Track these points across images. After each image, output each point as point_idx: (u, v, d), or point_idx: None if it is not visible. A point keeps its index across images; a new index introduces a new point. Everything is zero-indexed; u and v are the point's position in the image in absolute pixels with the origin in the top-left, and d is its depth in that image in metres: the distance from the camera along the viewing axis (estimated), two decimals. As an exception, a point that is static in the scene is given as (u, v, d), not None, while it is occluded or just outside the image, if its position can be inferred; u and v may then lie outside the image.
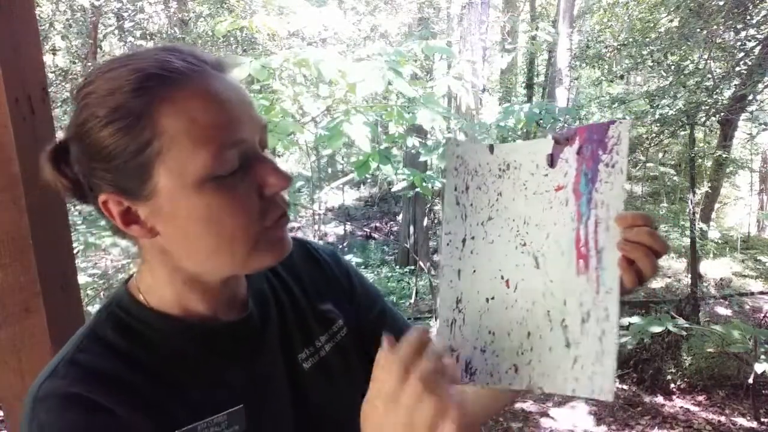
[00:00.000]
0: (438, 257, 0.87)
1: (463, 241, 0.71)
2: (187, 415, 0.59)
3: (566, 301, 0.63)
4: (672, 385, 5.07)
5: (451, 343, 0.68)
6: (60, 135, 0.62)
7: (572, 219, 0.64)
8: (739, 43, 6.53)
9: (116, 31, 7.85)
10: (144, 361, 0.60)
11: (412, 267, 9.10)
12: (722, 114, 7.22)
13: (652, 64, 7.37)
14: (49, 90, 1.07)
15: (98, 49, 7.24)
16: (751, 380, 4.43)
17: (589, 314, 0.61)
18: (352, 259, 9.75)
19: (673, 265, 10.25)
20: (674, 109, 7.20)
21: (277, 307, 0.73)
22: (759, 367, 3.87)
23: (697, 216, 7.90)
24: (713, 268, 9.51)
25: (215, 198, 0.55)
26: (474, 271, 0.70)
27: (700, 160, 9.43)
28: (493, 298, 0.68)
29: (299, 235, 12.13)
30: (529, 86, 12.77)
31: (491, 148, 0.71)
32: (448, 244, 0.71)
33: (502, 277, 0.68)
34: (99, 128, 0.54)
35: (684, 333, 4.88)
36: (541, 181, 0.67)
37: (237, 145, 0.56)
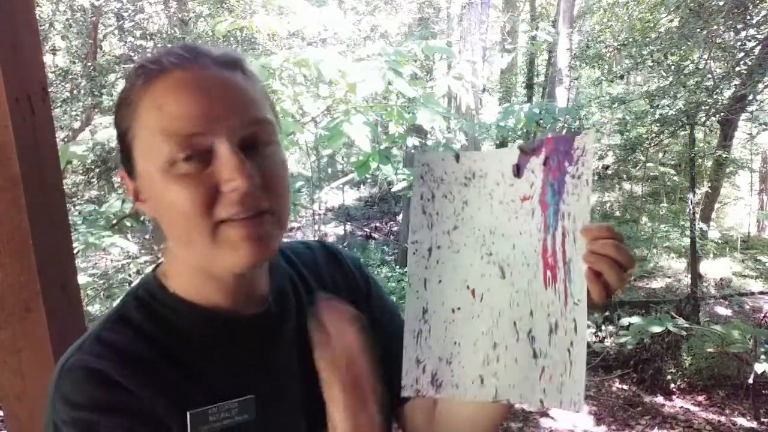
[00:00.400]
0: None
1: (429, 250, 0.70)
2: (199, 398, 0.61)
3: (533, 312, 0.63)
4: (672, 385, 5.07)
5: (418, 354, 0.67)
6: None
7: (539, 230, 0.64)
8: (739, 43, 6.52)
9: (116, 31, 7.85)
10: (165, 343, 0.63)
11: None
12: (722, 114, 7.21)
13: (652, 64, 7.36)
14: (49, 90, 1.07)
15: (98, 49, 7.23)
16: (751, 380, 4.43)
17: (557, 325, 0.61)
18: (352, 259, 9.73)
19: (673, 265, 10.25)
20: (674, 109, 7.20)
21: (296, 305, 0.74)
22: (759, 367, 3.87)
23: (697, 216, 7.89)
24: (713, 268, 9.50)
25: (172, 185, 0.57)
26: (440, 281, 0.69)
27: (700, 160, 9.42)
28: (459, 309, 0.67)
29: (299, 235, 12.12)
30: (529, 86, 12.77)
31: (457, 156, 0.71)
32: (414, 253, 0.71)
33: (468, 287, 0.67)
34: (114, 112, 0.62)
35: (684, 333, 4.88)
36: (506, 190, 0.67)
37: (198, 138, 0.56)
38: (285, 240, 0.71)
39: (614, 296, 0.62)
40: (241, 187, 0.56)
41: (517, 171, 0.66)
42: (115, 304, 0.67)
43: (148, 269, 0.72)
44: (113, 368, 0.58)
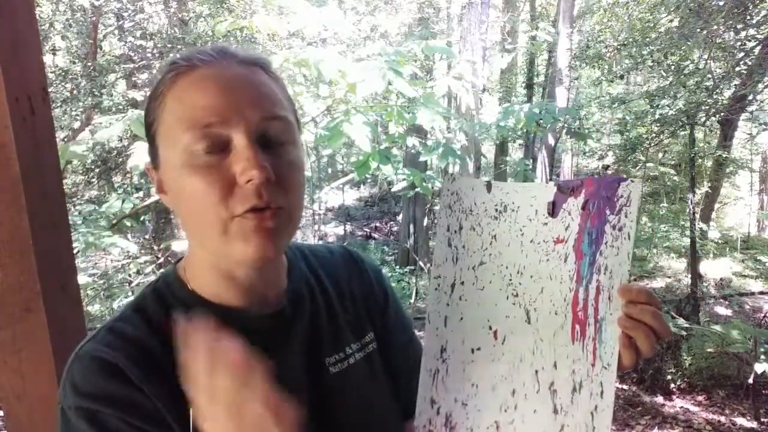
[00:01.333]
0: (425, 303, 0.83)
1: (452, 285, 0.67)
2: None
3: (557, 364, 0.59)
4: (672, 385, 5.07)
5: (433, 395, 0.64)
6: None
7: (571, 278, 0.60)
8: (739, 43, 6.52)
9: (116, 31, 7.85)
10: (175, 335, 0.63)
11: (412, 267, 9.10)
12: (722, 114, 7.21)
13: (652, 64, 7.36)
14: (49, 90, 1.07)
15: (98, 49, 7.23)
16: (751, 380, 4.43)
17: (582, 385, 0.57)
18: (352, 259, 9.74)
19: (673, 265, 10.25)
20: (674, 109, 7.20)
21: (311, 309, 0.73)
22: (759, 367, 3.87)
23: (697, 216, 7.89)
24: (713, 268, 9.50)
25: (189, 176, 0.59)
26: (461, 318, 0.65)
27: (700, 160, 9.42)
28: (479, 349, 0.64)
29: (299, 236, 12.12)
30: (529, 86, 12.76)
31: (489, 185, 0.67)
32: (436, 289, 0.67)
33: (490, 328, 0.64)
34: (147, 103, 0.65)
35: (684, 333, 4.88)
36: (539, 229, 0.63)
37: (217, 128, 0.58)
38: (308, 243, 0.72)
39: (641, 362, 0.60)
40: (255, 178, 0.57)
41: (552, 210, 0.62)
42: (134, 295, 0.68)
43: (173, 262, 0.73)
44: (122, 360, 0.59)
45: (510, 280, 0.64)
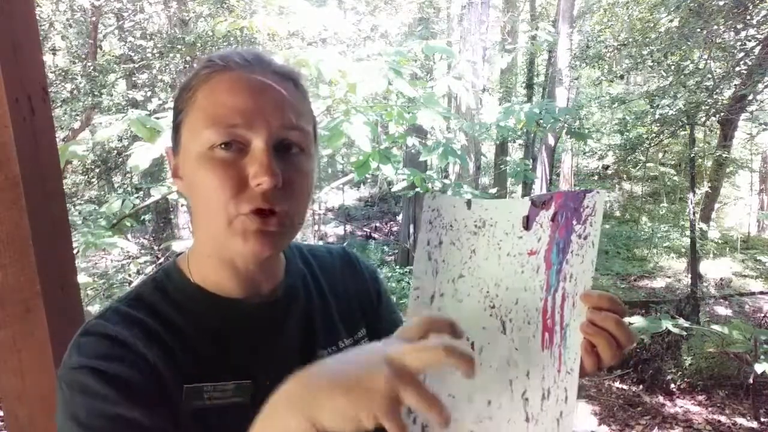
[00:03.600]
0: (404, 314, 0.84)
1: (432, 297, 0.68)
2: (199, 375, 0.65)
3: (529, 373, 0.60)
4: (672, 385, 5.07)
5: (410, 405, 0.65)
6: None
7: (541, 288, 0.62)
8: (739, 43, 6.52)
9: (116, 31, 7.85)
10: (176, 321, 0.67)
11: (412, 267, 9.10)
12: (722, 114, 7.22)
13: (652, 64, 7.37)
14: (49, 90, 1.07)
15: (98, 49, 7.24)
16: (751, 380, 4.43)
17: (550, 392, 0.58)
18: (352, 259, 9.75)
19: (673, 265, 10.25)
20: (674, 109, 7.20)
21: (305, 302, 0.76)
22: (759, 367, 3.87)
23: (697, 216, 7.89)
24: (713, 268, 9.50)
25: (205, 169, 0.62)
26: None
27: (700, 160, 9.43)
28: None
29: (299, 235, 12.10)
30: (529, 86, 12.76)
31: (468, 203, 0.70)
32: (415, 299, 0.69)
33: (468, 339, 0.64)
34: (177, 93, 0.69)
35: (684, 333, 4.88)
36: (515, 242, 0.65)
37: (240, 129, 0.62)
38: (309, 243, 0.74)
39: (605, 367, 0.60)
40: (266, 183, 0.61)
41: (527, 223, 0.65)
42: (135, 283, 0.72)
43: (174, 255, 0.77)
44: (128, 335, 0.63)
45: (487, 292, 0.66)
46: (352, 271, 0.86)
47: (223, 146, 0.62)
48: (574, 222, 0.60)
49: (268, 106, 0.63)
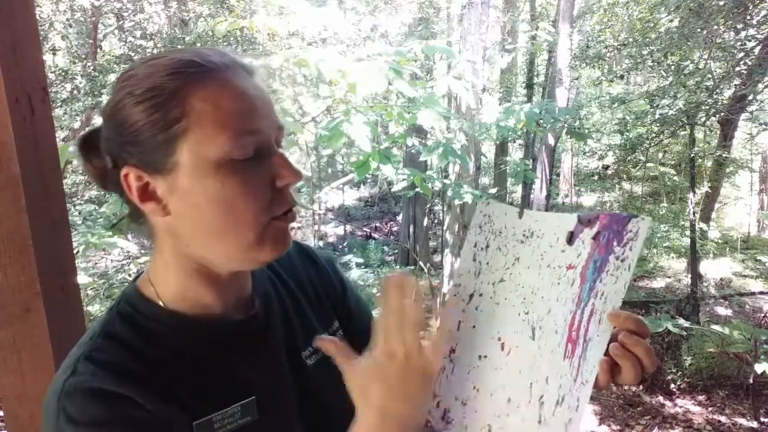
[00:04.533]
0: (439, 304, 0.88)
1: (471, 296, 0.72)
2: (201, 407, 0.61)
3: (548, 379, 0.64)
4: (672, 385, 5.07)
5: (435, 389, 0.69)
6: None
7: (573, 301, 0.64)
8: (739, 43, 6.53)
9: (116, 31, 7.85)
10: (156, 357, 0.62)
11: (412, 267, 9.10)
12: (722, 114, 7.22)
13: (652, 64, 7.37)
14: (49, 90, 1.07)
15: (98, 49, 7.24)
16: (751, 380, 4.44)
17: (564, 399, 0.62)
18: (351, 259, 9.75)
19: (673, 265, 10.25)
20: (674, 109, 7.20)
21: (280, 306, 0.75)
22: (759, 367, 3.87)
23: (697, 216, 7.89)
24: (713, 268, 9.50)
25: (229, 180, 0.59)
26: (474, 326, 0.71)
27: (700, 160, 9.42)
28: (485, 357, 0.69)
29: (299, 236, 12.12)
30: (529, 86, 12.76)
31: (521, 213, 0.73)
32: (455, 295, 0.73)
33: (499, 339, 0.69)
34: (133, 105, 0.59)
35: (684, 333, 4.88)
36: (557, 255, 0.68)
37: (255, 134, 0.60)
38: None
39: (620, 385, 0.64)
40: (295, 182, 0.62)
41: (571, 238, 0.67)
42: (94, 323, 0.66)
43: (131, 282, 0.70)
44: (113, 384, 0.57)
45: (524, 299, 0.69)
46: (313, 264, 0.85)
47: (243, 156, 0.59)
48: (615, 244, 0.63)
49: (266, 108, 0.63)
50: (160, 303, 0.65)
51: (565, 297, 0.65)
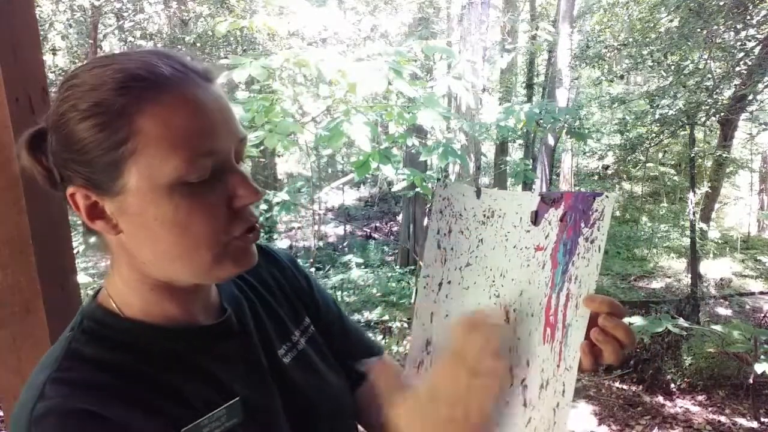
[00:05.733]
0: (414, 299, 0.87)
1: (440, 284, 0.72)
2: (185, 414, 0.59)
3: (529, 362, 0.64)
4: (672, 385, 5.07)
5: (416, 384, 0.70)
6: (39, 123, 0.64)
7: (546, 284, 0.64)
8: (739, 43, 6.53)
9: (116, 31, 7.85)
10: (132, 368, 0.59)
11: (412, 267, 9.10)
12: (722, 114, 7.22)
13: (652, 64, 7.37)
14: (49, 90, 1.07)
15: (98, 49, 7.24)
16: (751, 380, 4.43)
17: (548, 383, 0.62)
18: (351, 259, 9.75)
19: (673, 265, 10.25)
20: (674, 109, 7.20)
21: (249, 308, 0.74)
22: (759, 367, 3.87)
23: (697, 216, 7.90)
24: (713, 268, 9.50)
25: (184, 203, 0.56)
26: (446, 315, 0.70)
27: (700, 160, 9.43)
28: None
29: (299, 236, 12.12)
30: (529, 86, 12.76)
31: (478, 192, 0.71)
32: (424, 287, 0.72)
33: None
34: (77, 121, 0.55)
35: (684, 333, 4.88)
36: (522, 236, 0.67)
37: (211, 155, 0.56)
38: None
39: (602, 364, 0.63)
40: (254, 200, 0.59)
41: (535, 218, 0.66)
42: (52, 348, 0.63)
43: (89, 300, 0.67)
44: (87, 403, 0.54)
45: (493, 281, 0.68)
46: (275, 264, 0.83)
47: (198, 176, 0.56)
48: (582, 224, 0.62)
49: (224, 122, 0.58)
50: (128, 315, 0.63)
51: (538, 280, 0.64)
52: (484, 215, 0.70)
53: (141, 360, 0.60)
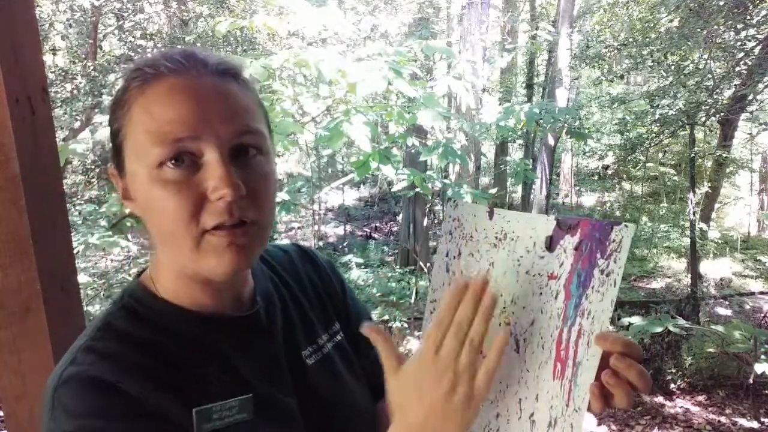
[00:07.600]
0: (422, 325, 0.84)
1: None
2: (200, 396, 0.61)
3: (538, 397, 0.61)
4: (672, 385, 5.07)
5: None
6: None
7: (558, 316, 0.61)
8: (739, 43, 6.52)
9: (116, 31, 7.85)
10: (158, 346, 0.62)
11: (412, 267, 9.09)
12: (722, 114, 7.22)
13: (652, 64, 7.37)
14: (49, 90, 1.07)
15: (98, 49, 7.24)
16: (751, 380, 4.44)
17: (557, 422, 0.59)
18: (351, 259, 9.75)
19: (673, 265, 10.25)
20: (674, 109, 7.21)
21: (281, 306, 0.75)
22: (759, 367, 3.87)
23: (697, 216, 7.90)
24: (713, 268, 9.50)
25: (157, 190, 0.58)
26: None
27: (700, 160, 9.43)
28: None
29: (299, 235, 12.12)
30: (529, 86, 12.76)
31: (491, 213, 0.68)
32: (431, 312, 0.69)
33: (481, 352, 0.64)
34: (109, 108, 0.64)
35: (684, 333, 4.88)
36: (536, 261, 0.64)
37: (187, 143, 0.57)
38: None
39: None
40: (227, 196, 0.56)
41: (550, 244, 0.63)
42: (96, 317, 0.66)
43: (135, 276, 0.71)
44: (111, 373, 0.57)
45: (504, 308, 0.65)
46: (313, 266, 0.85)
47: (173, 163, 0.57)
48: (598, 255, 0.59)
49: (214, 112, 0.58)
50: (162, 297, 0.66)
51: (550, 310, 0.61)
52: (496, 237, 0.67)
53: (167, 339, 0.63)
